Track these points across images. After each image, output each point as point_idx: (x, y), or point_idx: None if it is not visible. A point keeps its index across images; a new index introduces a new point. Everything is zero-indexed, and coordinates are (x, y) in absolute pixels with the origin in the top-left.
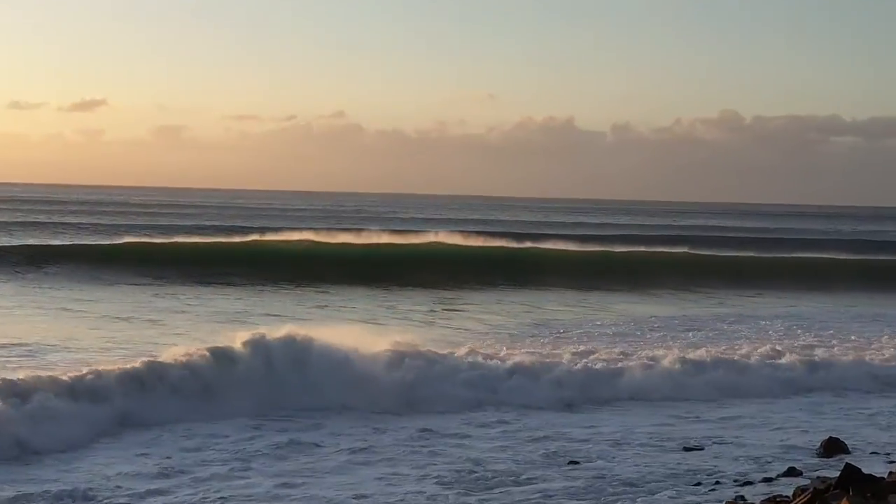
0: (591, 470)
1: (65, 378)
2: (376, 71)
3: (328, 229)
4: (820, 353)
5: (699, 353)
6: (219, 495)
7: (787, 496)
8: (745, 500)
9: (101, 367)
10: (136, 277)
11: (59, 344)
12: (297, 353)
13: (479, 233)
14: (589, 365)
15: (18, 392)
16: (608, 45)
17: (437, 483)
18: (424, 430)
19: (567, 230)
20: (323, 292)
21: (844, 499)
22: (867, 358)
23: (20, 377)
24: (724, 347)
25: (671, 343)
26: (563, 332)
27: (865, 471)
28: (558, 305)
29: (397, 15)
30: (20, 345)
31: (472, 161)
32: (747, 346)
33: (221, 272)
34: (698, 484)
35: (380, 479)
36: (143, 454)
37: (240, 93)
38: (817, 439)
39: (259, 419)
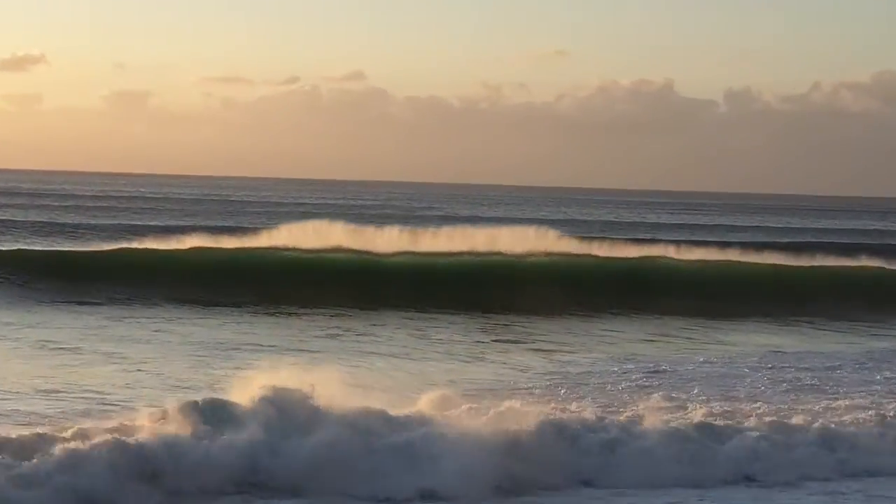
0: None
1: None
2: (405, 17)
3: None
4: None
5: None
6: None
7: None
8: None
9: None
10: (82, 294)
11: None
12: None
13: (541, 235)
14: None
15: None
16: None
17: None
18: None
19: (669, 233)
20: (337, 315)
21: None
22: None
23: None
24: None
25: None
26: (663, 371)
27: None
28: (648, 334)
29: None
30: None
31: (534, 138)
32: None
33: (200, 288)
34: None
35: None
36: None
37: (223, 47)
38: None
39: None
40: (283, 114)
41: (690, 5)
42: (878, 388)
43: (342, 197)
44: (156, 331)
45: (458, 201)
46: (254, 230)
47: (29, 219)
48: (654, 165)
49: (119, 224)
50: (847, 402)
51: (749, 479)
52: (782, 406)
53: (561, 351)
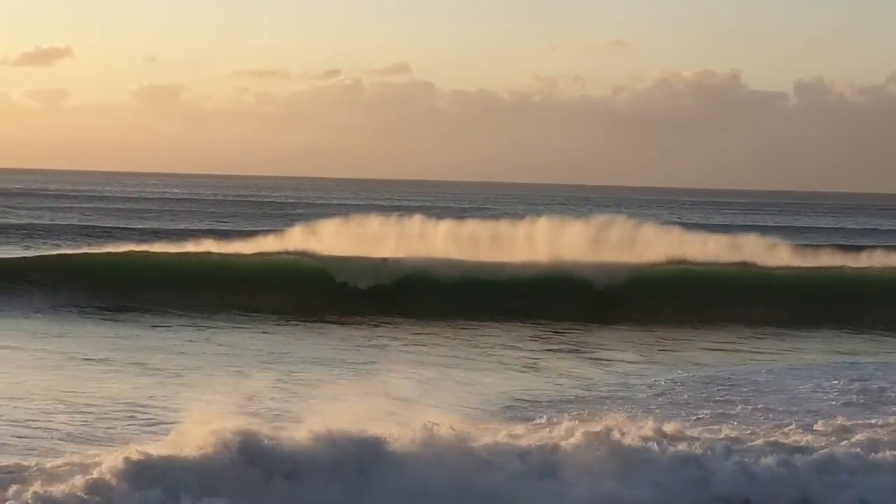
0: None
1: None
2: (453, 5)
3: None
4: None
5: None
6: None
7: None
8: None
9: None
10: (112, 301)
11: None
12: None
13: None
14: None
15: None
16: None
17: None
18: None
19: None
20: (388, 323)
21: None
22: None
23: None
24: None
25: None
26: (728, 381)
27: None
28: (714, 342)
29: None
30: None
31: (589, 134)
32: None
33: (236, 295)
34: None
35: None
36: None
37: (258, 38)
38: None
39: None
40: (322, 109)
41: None
42: None
43: (385, 196)
44: (189, 340)
45: (506, 199)
46: (290, 233)
47: (56, 222)
48: (718, 163)
49: (149, 228)
50: None
51: None
52: None
53: (620, 361)
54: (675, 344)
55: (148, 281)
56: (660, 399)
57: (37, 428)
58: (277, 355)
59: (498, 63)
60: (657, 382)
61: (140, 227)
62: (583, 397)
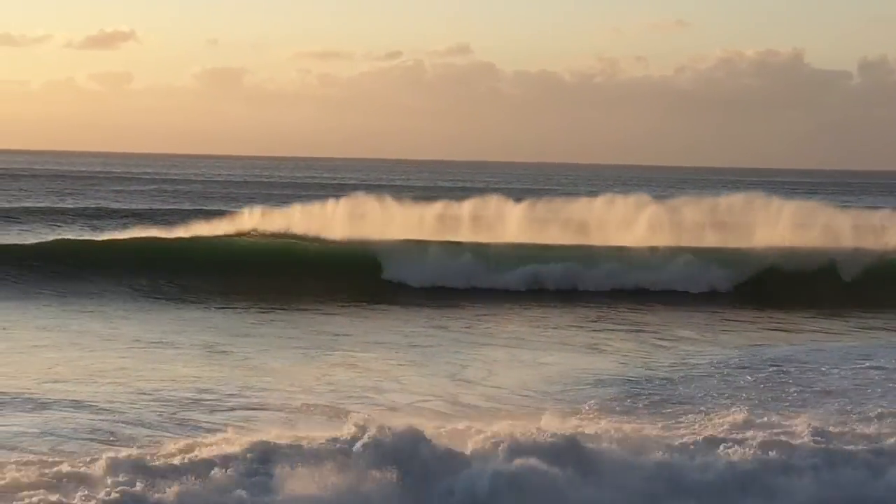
0: None
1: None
2: None
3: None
4: None
5: None
6: None
7: None
8: None
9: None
10: (176, 284)
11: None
12: None
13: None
14: None
15: None
16: None
17: None
18: None
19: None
20: (454, 304)
21: None
22: None
23: None
24: None
25: None
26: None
27: None
28: (775, 324)
29: None
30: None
31: (652, 114)
32: None
33: (294, 279)
34: None
35: None
36: None
37: (320, 20)
38: None
39: None
40: (383, 91)
41: None
42: None
43: (450, 177)
44: (252, 323)
45: (568, 180)
46: (357, 216)
47: (122, 206)
48: (781, 142)
49: (216, 209)
50: None
51: None
52: None
53: (683, 340)
54: None
55: (212, 265)
56: None
57: (163, 412)
58: (337, 337)
59: (560, 44)
60: None
61: (206, 207)
62: None
